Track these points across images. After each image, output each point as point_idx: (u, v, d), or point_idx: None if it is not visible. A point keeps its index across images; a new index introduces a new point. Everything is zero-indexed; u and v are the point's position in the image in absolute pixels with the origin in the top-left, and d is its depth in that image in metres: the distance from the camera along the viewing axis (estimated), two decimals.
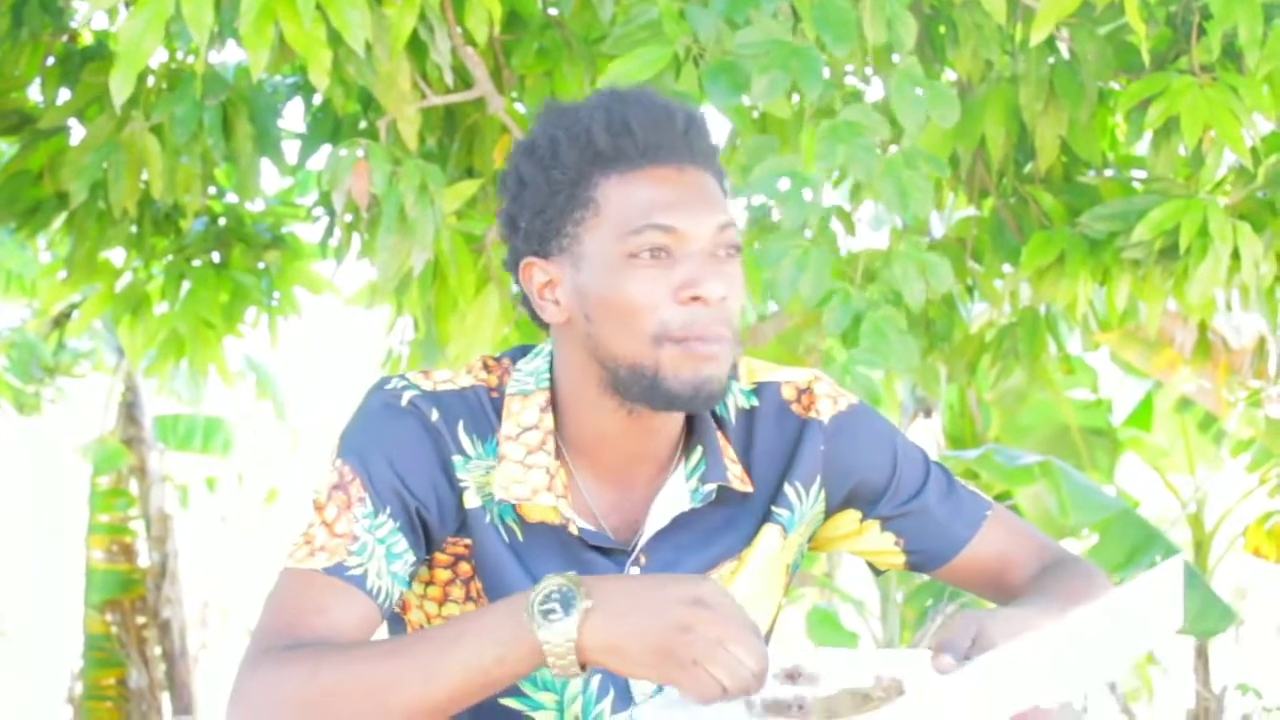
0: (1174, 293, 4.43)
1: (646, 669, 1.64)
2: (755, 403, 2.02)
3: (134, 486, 9.35)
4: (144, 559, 9.30)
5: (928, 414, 8.03)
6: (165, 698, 9.32)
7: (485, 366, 1.99)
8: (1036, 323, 4.81)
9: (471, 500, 1.92)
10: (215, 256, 5.12)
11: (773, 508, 2.00)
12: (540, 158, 1.89)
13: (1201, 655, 7.90)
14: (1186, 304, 4.40)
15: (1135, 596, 1.72)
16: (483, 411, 1.94)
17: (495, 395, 1.96)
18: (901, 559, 2.06)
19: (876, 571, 2.14)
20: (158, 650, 9.26)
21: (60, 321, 8.19)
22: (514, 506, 1.92)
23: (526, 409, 1.94)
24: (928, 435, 8.20)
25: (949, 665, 1.71)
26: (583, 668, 1.67)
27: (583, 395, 1.92)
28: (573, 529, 1.92)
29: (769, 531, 2.00)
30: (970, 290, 4.85)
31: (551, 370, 1.97)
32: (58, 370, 9.61)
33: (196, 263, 5.07)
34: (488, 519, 1.92)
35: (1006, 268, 4.81)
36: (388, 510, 1.87)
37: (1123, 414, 8.31)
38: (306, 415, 13.08)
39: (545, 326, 1.96)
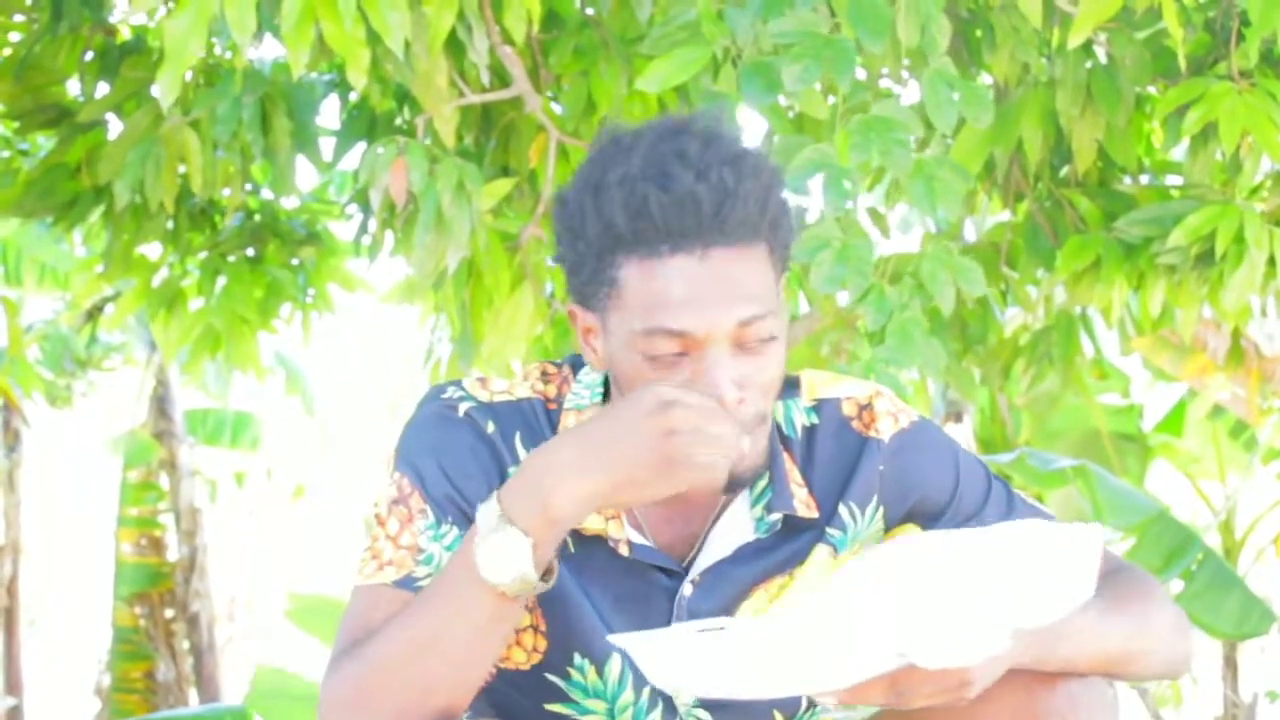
0: (1209, 299, 4.41)
1: (650, 489, 1.69)
2: (816, 420, 1.99)
3: (164, 480, 9.40)
4: (173, 553, 9.35)
5: (958, 418, 8.02)
6: (192, 691, 9.36)
7: (544, 375, 1.97)
8: (1071, 326, 4.80)
9: None
10: (250, 252, 5.14)
11: (827, 529, 1.97)
12: (570, 224, 1.84)
13: (1230, 662, 7.88)
14: (1221, 310, 4.39)
15: (1041, 545, 1.68)
16: (538, 424, 1.93)
17: (553, 407, 1.95)
18: None
19: None
20: (185, 644, 9.31)
21: (93, 315, 8.23)
22: None
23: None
24: (958, 439, 8.20)
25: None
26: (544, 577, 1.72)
27: None
28: (623, 549, 1.91)
29: (820, 551, 1.97)
30: (1004, 295, 4.84)
31: (608, 383, 1.95)
32: (89, 364, 9.66)
33: (232, 258, 5.08)
34: None
35: (1041, 273, 4.80)
36: (449, 519, 1.87)
37: (1154, 419, 8.28)
38: (335, 411, 13.11)
39: None
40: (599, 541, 1.91)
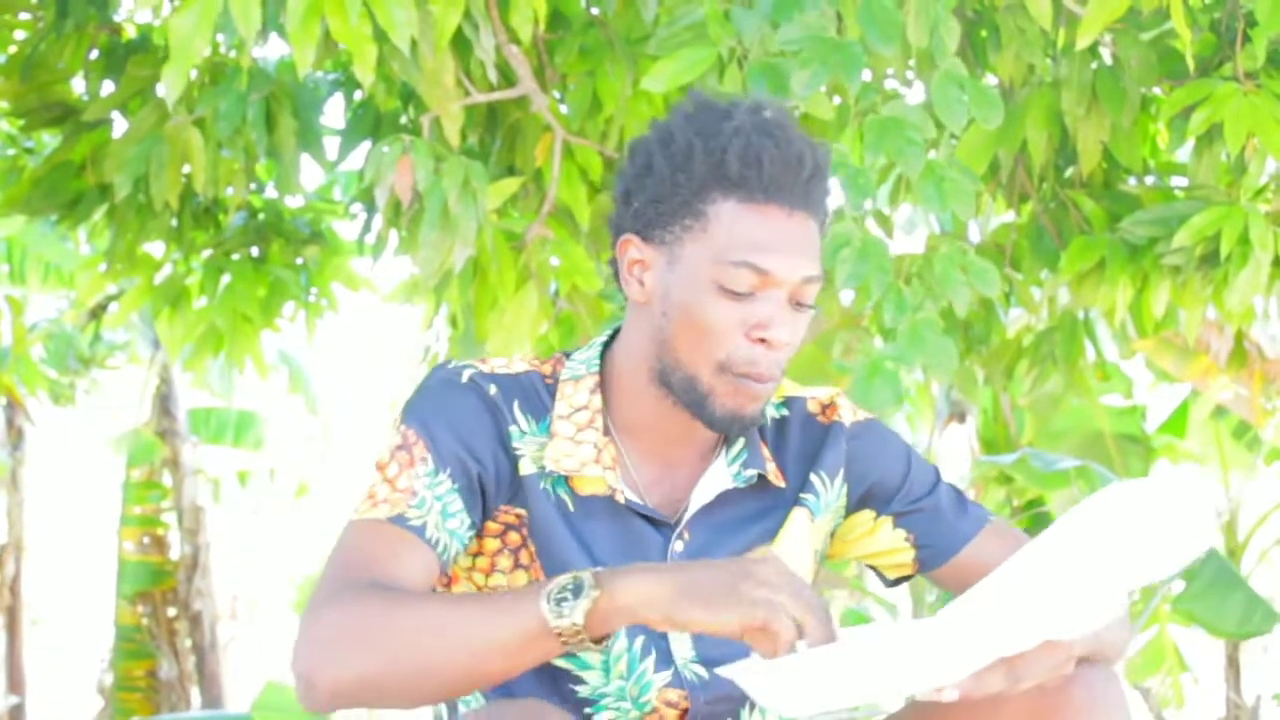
0: (1213, 300, 4.41)
1: (706, 612, 1.72)
2: (785, 413, 2.17)
3: (167, 479, 9.40)
4: (176, 551, 9.36)
5: (961, 419, 8.02)
6: (195, 690, 9.37)
7: (539, 358, 2.11)
8: (1074, 328, 4.80)
9: (527, 468, 2.03)
10: (254, 251, 5.14)
11: (801, 494, 2.12)
12: (673, 155, 2.00)
13: (1233, 663, 7.88)
14: (1226, 311, 4.39)
15: (1145, 504, 1.73)
16: (537, 394, 2.06)
17: (550, 381, 2.08)
18: (910, 555, 2.16)
19: (886, 581, 2.23)
20: (188, 642, 9.31)
21: (97, 313, 8.23)
22: (566, 479, 2.03)
23: (578, 391, 2.07)
24: (961, 440, 8.19)
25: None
26: (598, 641, 1.75)
27: (635, 377, 2.05)
28: (620, 498, 2.03)
29: (797, 515, 2.12)
30: (1008, 296, 4.84)
31: (603, 358, 2.09)
32: (93, 362, 9.66)
33: (235, 257, 5.09)
34: (542, 485, 2.03)
35: (1045, 274, 4.79)
36: (448, 471, 1.97)
37: (1157, 421, 8.28)
38: (338, 410, 13.11)
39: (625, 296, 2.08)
40: (598, 500, 2.04)
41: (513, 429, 2.02)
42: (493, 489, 2.00)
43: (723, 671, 1.78)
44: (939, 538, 2.15)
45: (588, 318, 4.35)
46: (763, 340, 1.97)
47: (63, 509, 14.03)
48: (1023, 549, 1.74)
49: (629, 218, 2.04)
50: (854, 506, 2.16)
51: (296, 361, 10.89)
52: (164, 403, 9.45)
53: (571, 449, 2.02)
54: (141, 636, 9.25)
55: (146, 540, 9.37)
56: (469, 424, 1.99)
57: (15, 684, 10.22)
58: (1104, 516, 1.72)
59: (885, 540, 2.17)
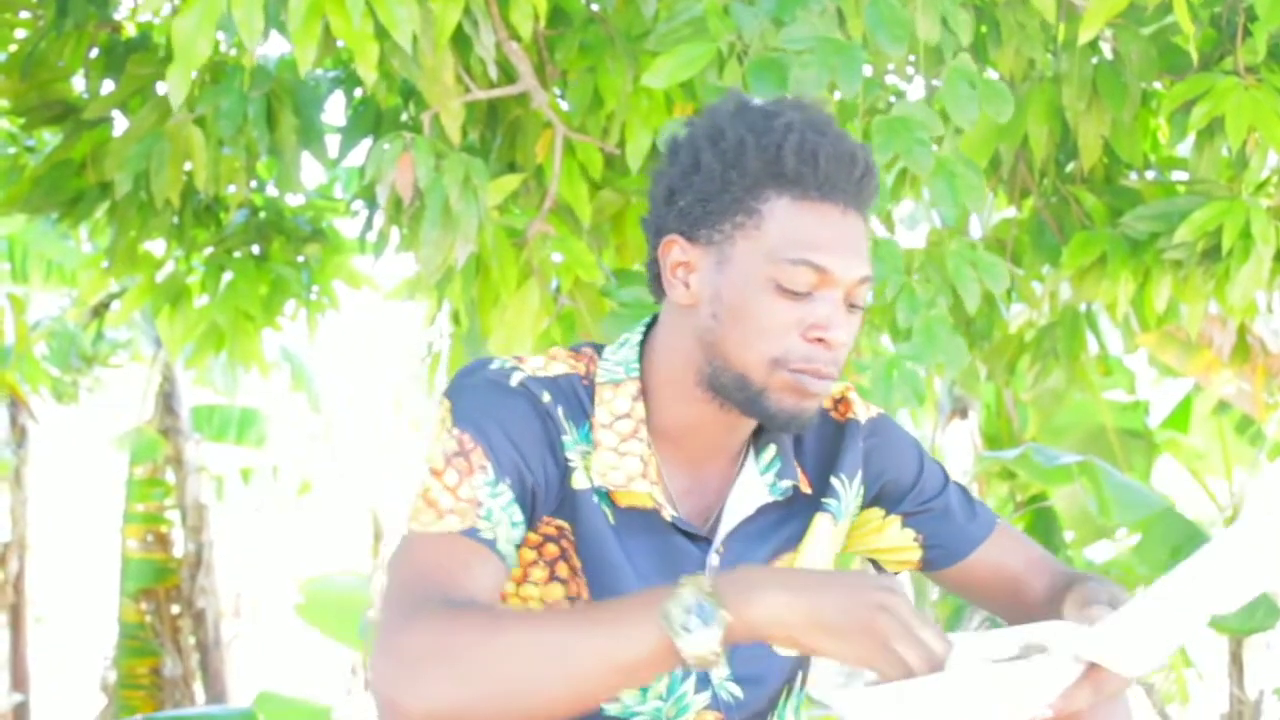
0: (1215, 294, 4.41)
1: (837, 643, 1.67)
2: None
3: (170, 476, 9.42)
4: (179, 549, 9.37)
5: (964, 414, 8.02)
6: (198, 687, 9.38)
7: (572, 354, 2.04)
8: (1076, 323, 4.80)
9: (580, 481, 1.97)
10: (255, 249, 5.14)
11: (823, 499, 2.08)
12: (724, 152, 1.93)
13: (1236, 659, 7.88)
14: (1228, 306, 4.39)
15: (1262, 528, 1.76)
16: (576, 398, 1.99)
17: (586, 383, 2.01)
18: (918, 555, 2.16)
19: (883, 574, 2.21)
20: (192, 639, 9.33)
21: (99, 311, 8.23)
22: (607, 491, 1.97)
23: (619, 397, 2.00)
24: (964, 435, 8.19)
25: (1102, 613, 1.83)
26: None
27: (678, 382, 1.98)
28: (666, 515, 1.98)
29: (820, 521, 2.08)
30: (1010, 291, 4.84)
31: (640, 359, 2.03)
32: (96, 360, 9.67)
33: (237, 255, 5.09)
34: (595, 499, 1.97)
35: (1046, 269, 4.79)
36: (507, 481, 1.90)
37: (1160, 415, 8.28)
38: (340, 407, 13.12)
39: (662, 296, 2.02)
40: (637, 513, 1.98)
41: (565, 438, 1.96)
42: (541, 498, 1.94)
43: (817, 695, 1.76)
44: (949, 539, 2.14)
45: (589, 314, 4.34)
46: (820, 340, 1.91)
47: (66, 507, 14.05)
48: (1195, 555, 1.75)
49: (672, 218, 1.97)
50: (870, 498, 2.14)
51: (299, 359, 10.90)
52: (167, 400, 9.46)
53: (616, 460, 1.97)
54: (145, 634, 9.27)
55: (150, 538, 9.38)
56: (521, 431, 1.92)
57: (19, 681, 10.23)
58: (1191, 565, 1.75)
59: (893, 538, 2.15)
